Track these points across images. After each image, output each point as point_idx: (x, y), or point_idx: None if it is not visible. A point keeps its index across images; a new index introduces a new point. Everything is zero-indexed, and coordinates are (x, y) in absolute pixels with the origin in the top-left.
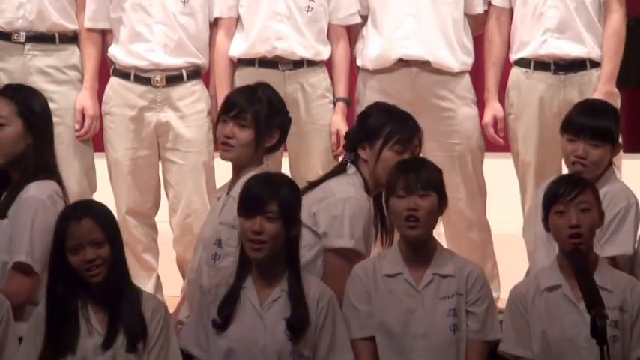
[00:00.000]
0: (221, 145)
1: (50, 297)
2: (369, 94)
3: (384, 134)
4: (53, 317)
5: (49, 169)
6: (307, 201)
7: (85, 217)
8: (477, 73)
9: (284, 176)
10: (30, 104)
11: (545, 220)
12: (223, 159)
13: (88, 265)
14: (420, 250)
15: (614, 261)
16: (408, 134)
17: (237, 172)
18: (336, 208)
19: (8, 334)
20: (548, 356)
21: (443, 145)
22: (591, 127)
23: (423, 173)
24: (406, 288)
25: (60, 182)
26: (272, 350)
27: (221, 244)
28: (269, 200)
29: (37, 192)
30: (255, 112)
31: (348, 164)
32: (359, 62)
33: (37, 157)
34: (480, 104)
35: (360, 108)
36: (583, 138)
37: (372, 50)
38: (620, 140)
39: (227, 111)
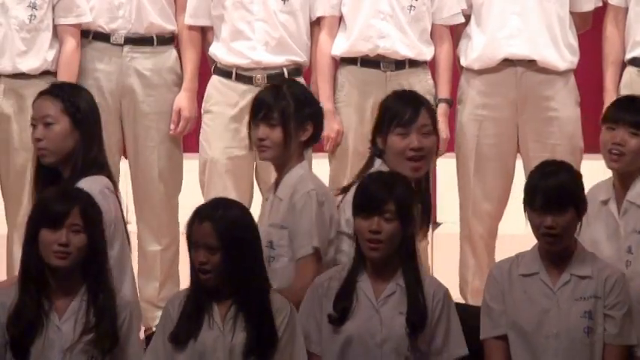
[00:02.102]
0: (257, 147)
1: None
2: (473, 94)
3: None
4: (195, 301)
5: (98, 164)
6: (343, 206)
7: (207, 220)
8: (581, 72)
9: (398, 174)
10: (74, 101)
11: None
12: (262, 159)
13: (199, 266)
14: (560, 251)
15: None
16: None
17: (279, 170)
18: None
19: (130, 336)
20: None
21: (545, 146)
22: (630, 115)
23: (560, 188)
24: (541, 288)
25: (110, 176)
26: (390, 345)
27: (273, 245)
28: (386, 200)
29: (87, 188)
30: (281, 109)
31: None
32: (463, 62)
33: (85, 153)
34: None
35: (462, 107)
36: (622, 125)
37: (477, 49)
38: None
39: (256, 114)
